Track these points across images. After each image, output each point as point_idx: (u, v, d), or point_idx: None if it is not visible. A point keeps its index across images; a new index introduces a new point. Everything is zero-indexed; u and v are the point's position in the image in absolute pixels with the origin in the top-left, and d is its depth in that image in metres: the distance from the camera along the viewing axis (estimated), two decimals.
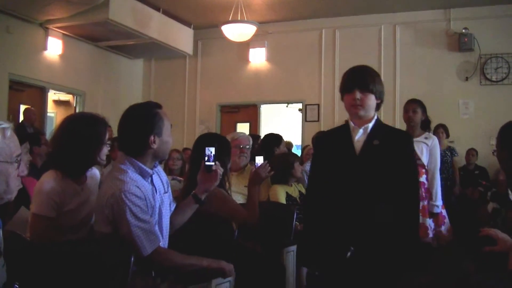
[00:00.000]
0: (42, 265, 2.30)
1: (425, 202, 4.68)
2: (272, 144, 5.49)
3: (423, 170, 4.74)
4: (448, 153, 7.62)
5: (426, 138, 4.83)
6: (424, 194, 4.66)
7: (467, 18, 8.90)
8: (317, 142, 3.01)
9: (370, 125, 2.71)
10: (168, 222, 2.73)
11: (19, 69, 8.49)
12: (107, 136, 2.81)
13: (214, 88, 10.67)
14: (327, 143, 2.88)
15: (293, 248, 3.86)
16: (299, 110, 10.46)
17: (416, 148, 4.50)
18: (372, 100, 2.70)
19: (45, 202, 2.63)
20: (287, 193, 4.51)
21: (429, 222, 4.66)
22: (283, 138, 5.82)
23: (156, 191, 2.63)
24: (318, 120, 9.85)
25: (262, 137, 6.13)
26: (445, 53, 9.16)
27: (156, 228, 2.55)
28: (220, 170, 2.85)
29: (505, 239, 2.40)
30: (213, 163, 2.81)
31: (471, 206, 7.05)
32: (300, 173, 4.80)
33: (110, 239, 2.46)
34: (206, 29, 10.30)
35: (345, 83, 2.76)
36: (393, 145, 2.66)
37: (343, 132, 2.77)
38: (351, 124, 2.75)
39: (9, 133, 1.79)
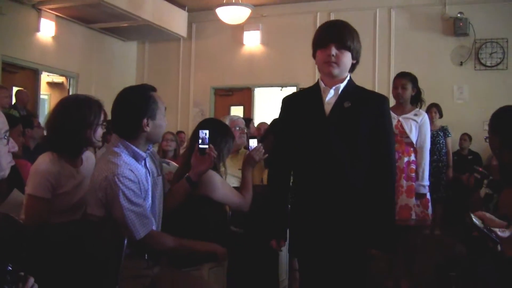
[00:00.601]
0: (35, 247, 2.30)
1: (412, 182, 4.53)
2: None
3: (411, 149, 4.58)
4: (440, 134, 7.47)
5: (415, 114, 4.63)
6: (411, 175, 4.53)
7: (463, 2, 8.87)
8: (285, 104, 2.67)
9: (342, 85, 2.51)
10: (161, 205, 2.74)
11: (11, 51, 8.42)
12: (101, 118, 2.80)
13: (208, 71, 10.63)
14: (295, 105, 2.64)
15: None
16: None
17: (404, 125, 4.54)
18: (348, 58, 2.49)
19: (41, 183, 2.62)
20: None
21: (414, 203, 4.51)
22: None
23: (149, 174, 2.63)
24: None
25: (270, 122, 6.15)
26: (440, 38, 9.14)
27: (149, 211, 2.55)
28: (214, 154, 2.85)
29: (492, 219, 2.42)
30: (206, 146, 2.81)
31: (464, 191, 7.03)
32: None
33: (103, 222, 2.46)
34: (200, 11, 10.24)
35: (320, 37, 2.52)
36: (366, 108, 2.47)
37: (313, 93, 2.57)
38: (322, 84, 2.54)
39: None
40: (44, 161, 2.69)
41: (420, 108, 4.81)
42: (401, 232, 4.36)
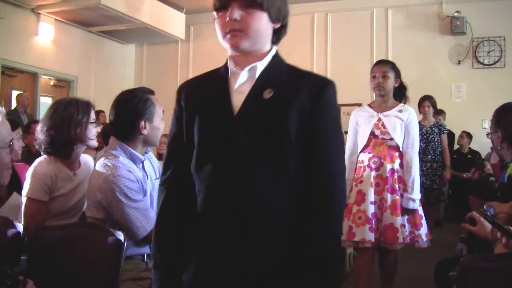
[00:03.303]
0: (34, 250, 2.31)
1: (397, 196, 3.66)
2: None
3: (396, 154, 3.72)
4: (435, 130, 6.72)
5: (400, 111, 3.77)
6: (396, 186, 3.67)
7: (459, 1, 8.89)
8: (180, 94, 1.74)
9: (261, 65, 1.63)
10: None
11: (10, 54, 8.44)
12: (92, 116, 2.82)
13: None
14: (193, 96, 1.71)
15: None
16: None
17: (387, 123, 3.74)
18: (261, 21, 1.60)
19: (38, 186, 2.64)
20: None
21: (401, 222, 3.63)
22: None
23: (147, 177, 2.65)
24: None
25: None
26: (437, 37, 9.16)
27: (151, 210, 2.57)
28: None
29: (484, 224, 2.45)
30: None
31: (464, 189, 6.99)
32: None
33: (102, 224, 2.48)
34: (198, 13, 10.25)
35: None
36: (298, 98, 1.57)
37: (219, 79, 1.70)
38: (230, 64, 1.67)
39: (0, 118, 1.79)
40: (40, 164, 2.71)
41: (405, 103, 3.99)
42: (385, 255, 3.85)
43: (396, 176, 3.70)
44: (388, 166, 3.69)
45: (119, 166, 2.46)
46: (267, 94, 1.59)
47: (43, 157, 2.75)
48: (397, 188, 3.67)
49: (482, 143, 7.81)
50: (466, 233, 2.85)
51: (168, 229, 1.68)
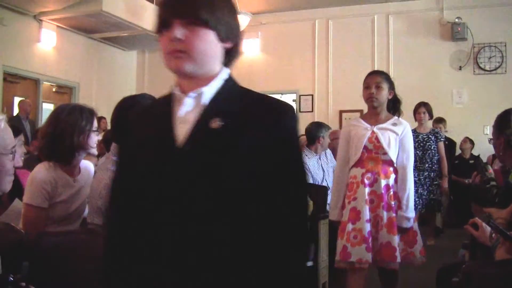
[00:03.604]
0: (36, 256, 2.31)
1: (393, 213, 3.50)
2: None
3: (391, 169, 3.56)
4: (431, 138, 6.46)
5: (394, 124, 3.61)
6: (392, 203, 3.51)
7: (460, 7, 8.90)
8: (131, 124, 1.58)
9: (208, 89, 1.44)
10: None
11: (13, 61, 8.46)
12: (94, 124, 2.82)
13: None
14: (137, 127, 1.55)
15: None
16: (293, 101, 10.46)
17: (380, 137, 3.56)
18: (208, 40, 1.42)
19: (37, 192, 2.64)
20: None
21: (398, 240, 3.49)
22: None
23: None
24: (312, 111, 9.86)
25: None
26: (438, 43, 9.17)
27: None
28: None
29: (485, 229, 2.45)
30: None
31: (465, 195, 6.97)
32: None
33: (104, 229, 2.47)
34: None
35: (160, 12, 1.47)
36: (253, 128, 1.37)
37: (163, 106, 1.52)
38: (176, 90, 1.50)
39: (2, 125, 1.80)
40: (40, 170, 2.71)
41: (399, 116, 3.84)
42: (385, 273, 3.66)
43: (391, 193, 3.53)
44: (383, 182, 3.53)
45: None
46: (215, 123, 1.38)
47: (42, 164, 2.75)
48: (393, 205, 3.51)
49: (483, 149, 7.80)
50: (469, 238, 2.85)
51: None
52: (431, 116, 6.71)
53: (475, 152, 8.28)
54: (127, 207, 1.46)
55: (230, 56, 1.52)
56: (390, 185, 3.53)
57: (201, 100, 1.44)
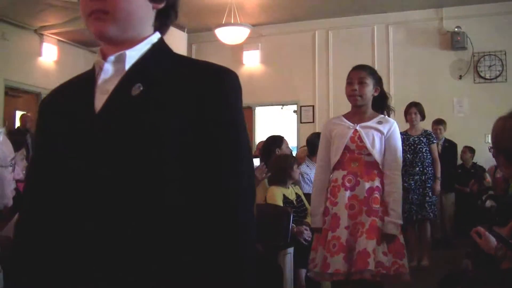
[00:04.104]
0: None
1: (375, 218, 3.16)
2: (273, 145, 5.49)
3: (375, 171, 3.24)
4: (423, 140, 6.14)
5: (379, 122, 3.30)
6: (375, 207, 3.17)
7: (459, 16, 8.92)
8: (39, 111, 1.35)
9: (131, 53, 1.23)
10: None
11: (14, 75, 8.50)
12: None
13: None
14: (51, 108, 1.32)
15: (291, 250, 3.89)
16: (294, 111, 10.47)
17: (364, 136, 3.25)
18: None
19: None
20: (284, 195, 4.52)
21: (375, 246, 3.09)
22: (285, 138, 5.81)
23: None
24: (313, 121, 9.87)
25: (265, 140, 6.11)
26: (438, 52, 9.18)
27: None
28: None
29: (489, 239, 2.44)
30: None
31: (469, 205, 6.93)
32: (298, 175, 4.82)
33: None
34: (200, 32, 10.30)
35: None
36: (184, 97, 1.15)
37: (86, 77, 1.33)
38: (98, 55, 1.30)
39: (1, 138, 1.80)
40: None
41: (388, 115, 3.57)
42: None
43: (375, 195, 3.19)
44: (366, 185, 3.20)
45: None
46: (136, 89, 1.17)
47: None
48: (375, 209, 3.17)
49: (485, 157, 7.79)
50: (472, 247, 2.83)
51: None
52: (423, 117, 6.35)
53: (477, 160, 8.27)
54: (40, 186, 1.24)
55: (163, 18, 1.31)
56: (374, 187, 3.21)
57: (123, 65, 1.22)
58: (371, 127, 3.27)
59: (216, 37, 8.72)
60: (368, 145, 3.22)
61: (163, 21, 1.32)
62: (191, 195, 1.13)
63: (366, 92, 3.30)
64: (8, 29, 8.32)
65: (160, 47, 1.28)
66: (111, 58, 1.22)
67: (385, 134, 3.26)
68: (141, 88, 1.17)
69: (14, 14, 8.09)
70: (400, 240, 3.25)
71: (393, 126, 3.31)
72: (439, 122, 7.62)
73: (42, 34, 8.84)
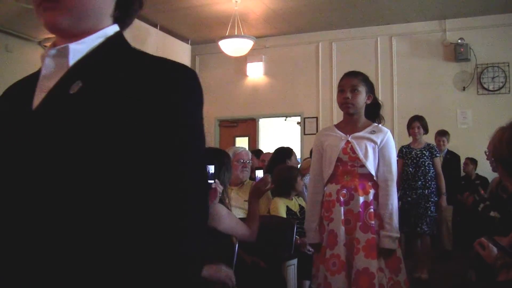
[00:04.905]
0: None
1: (372, 235, 3.00)
2: (284, 157, 5.51)
3: (369, 184, 3.11)
4: (425, 154, 6.12)
5: (372, 132, 3.16)
6: (371, 222, 3.04)
7: (463, 28, 8.94)
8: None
9: (78, 47, 1.09)
10: None
11: None
12: None
13: (213, 103, 10.67)
14: (4, 98, 1.24)
15: (294, 261, 3.87)
16: (298, 123, 10.48)
17: (356, 147, 3.11)
18: None
19: None
20: (287, 206, 4.51)
21: (377, 266, 2.98)
22: (294, 151, 5.83)
23: None
24: (316, 133, 9.86)
25: (273, 151, 6.14)
26: (441, 64, 9.19)
27: None
28: (220, 188, 2.86)
29: (492, 249, 2.43)
30: (212, 181, 2.82)
31: (472, 216, 6.87)
32: (301, 187, 4.82)
33: None
34: (204, 44, 10.34)
35: None
36: (129, 96, 1.01)
37: (35, 73, 1.17)
38: (47, 49, 1.14)
39: None
40: None
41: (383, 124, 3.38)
42: None
43: (370, 210, 3.06)
44: (361, 199, 3.07)
45: None
46: (75, 87, 1.04)
47: None
48: (371, 225, 3.03)
49: (489, 168, 7.75)
50: (474, 258, 2.81)
51: None
52: (426, 131, 6.33)
53: (482, 172, 8.24)
54: None
55: (123, 7, 1.15)
56: (369, 201, 3.07)
57: (66, 60, 1.08)
58: (363, 138, 3.13)
59: (219, 48, 8.75)
60: (361, 156, 3.08)
61: (124, 11, 1.15)
62: (129, 196, 0.99)
63: (359, 100, 3.18)
64: (11, 41, 8.35)
65: (115, 41, 1.13)
66: (52, 51, 1.09)
67: (378, 144, 3.12)
68: (80, 85, 1.03)
69: (17, 26, 8.12)
70: (397, 254, 3.11)
71: (387, 136, 3.16)
72: (442, 134, 7.61)
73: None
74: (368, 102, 3.23)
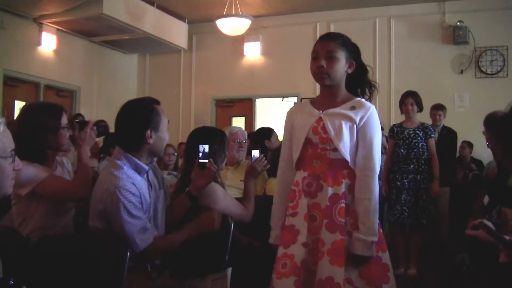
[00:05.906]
0: (38, 260, 2.30)
1: (341, 236, 2.38)
2: (263, 137, 5.45)
3: (343, 172, 2.45)
4: (419, 134, 5.49)
5: (352, 108, 2.48)
6: (340, 220, 2.40)
7: (462, 11, 8.90)
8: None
9: None
10: (164, 218, 2.74)
11: (13, 64, 8.45)
12: (63, 121, 2.80)
13: (209, 83, 10.65)
14: None
15: None
16: (295, 103, 10.45)
17: (329, 126, 2.46)
18: None
19: (37, 171, 2.68)
20: None
21: (345, 275, 2.33)
22: (275, 131, 5.76)
23: (151, 188, 2.64)
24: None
25: (254, 131, 6.06)
26: (439, 46, 9.16)
27: (149, 224, 2.55)
28: (214, 168, 2.86)
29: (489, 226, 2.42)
30: (206, 161, 2.82)
31: (466, 199, 6.79)
32: None
33: (105, 234, 2.47)
34: (201, 23, 10.27)
35: None
36: None
37: None
38: None
39: (1, 128, 1.78)
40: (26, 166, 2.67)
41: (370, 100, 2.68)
42: None
43: (341, 205, 2.41)
44: (329, 191, 2.43)
45: (122, 178, 2.45)
46: None
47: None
48: (340, 223, 2.39)
49: (485, 152, 7.76)
50: (468, 240, 2.77)
51: None
52: (420, 108, 5.69)
53: (478, 155, 8.25)
54: None
55: None
56: (340, 193, 2.43)
57: None
58: (338, 114, 2.48)
59: (217, 28, 8.69)
60: (333, 136, 2.43)
61: None
62: None
63: (336, 69, 2.50)
64: (6, 17, 8.25)
65: None
66: None
67: (357, 122, 2.45)
68: None
69: (13, 2, 8.02)
70: (383, 260, 2.48)
71: (369, 112, 2.48)
72: (439, 107, 7.07)
73: (41, 23, 8.76)
74: (350, 71, 2.57)
